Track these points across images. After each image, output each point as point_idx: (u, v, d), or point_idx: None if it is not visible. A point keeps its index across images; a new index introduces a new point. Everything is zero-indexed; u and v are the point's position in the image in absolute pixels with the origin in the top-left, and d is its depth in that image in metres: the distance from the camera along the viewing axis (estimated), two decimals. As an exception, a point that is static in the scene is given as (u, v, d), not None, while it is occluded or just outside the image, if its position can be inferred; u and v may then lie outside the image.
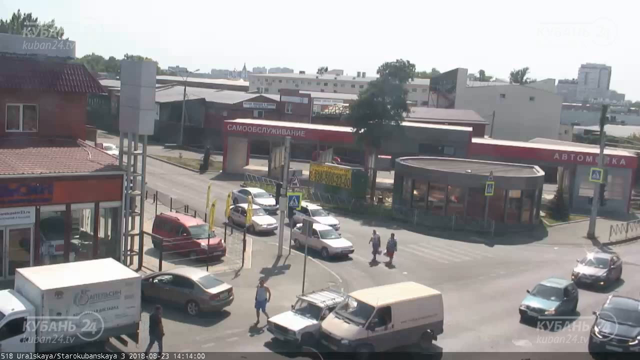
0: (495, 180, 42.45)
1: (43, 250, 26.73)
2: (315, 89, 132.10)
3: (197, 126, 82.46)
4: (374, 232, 35.77)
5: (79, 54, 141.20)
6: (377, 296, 22.65)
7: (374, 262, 34.44)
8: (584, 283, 31.33)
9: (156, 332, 20.79)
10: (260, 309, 24.20)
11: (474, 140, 60.56)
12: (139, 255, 29.60)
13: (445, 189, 46.29)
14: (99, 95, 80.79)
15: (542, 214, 48.81)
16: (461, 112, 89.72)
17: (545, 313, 25.76)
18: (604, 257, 34.01)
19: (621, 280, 33.47)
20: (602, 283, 31.84)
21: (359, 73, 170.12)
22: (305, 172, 52.27)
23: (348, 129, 52.82)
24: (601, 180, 44.21)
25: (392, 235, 35.21)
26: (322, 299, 23.76)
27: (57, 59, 31.14)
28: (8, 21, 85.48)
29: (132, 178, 29.09)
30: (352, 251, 35.37)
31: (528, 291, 27.75)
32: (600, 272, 32.45)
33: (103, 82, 59.29)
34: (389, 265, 34.14)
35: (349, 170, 51.09)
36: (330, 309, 23.00)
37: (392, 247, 34.67)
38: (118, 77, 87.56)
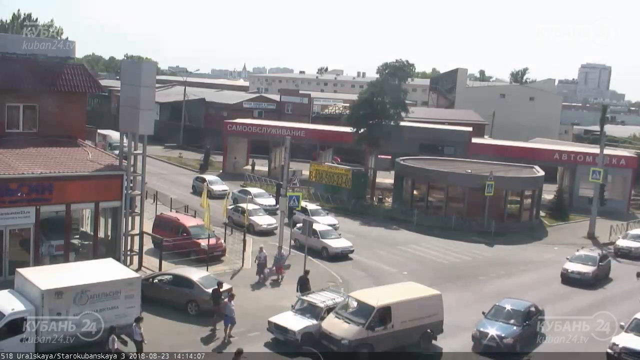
0: (495, 180, 42.45)
1: (43, 250, 26.72)
2: (315, 89, 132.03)
3: (197, 126, 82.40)
4: (261, 249, 30.39)
5: (79, 54, 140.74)
6: (377, 296, 22.65)
7: (259, 284, 29.26)
8: None
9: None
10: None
11: (474, 140, 60.56)
12: (139, 255, 29.58)
13: (445, 189, 46.28)
14: (99, 95, 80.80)
15: (542, 214, 48.82)
16: (461, 112, 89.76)
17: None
18: None
19: None
20: None
21: (359, 73, 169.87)
22: (305, 172, 52.30)
23: (348, 129, 52.85)
24: (601, 180, 44.16)
25: (280, 248, 31.44)
26: (322, 299, 23.74)
27: (57, 59, 31.11)
28: (8, 21, 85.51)
29: (132, 178, 29.10)
30: (352, 251, 35.28)
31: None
32: None
33: (103, 82, 59.03)
34: (277, 282, 29.65)
35: (349, 170, 51.06)
36: (330, 309, 22.97)
37: (279, 261, 30.23)
38: (118, 77, 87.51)
